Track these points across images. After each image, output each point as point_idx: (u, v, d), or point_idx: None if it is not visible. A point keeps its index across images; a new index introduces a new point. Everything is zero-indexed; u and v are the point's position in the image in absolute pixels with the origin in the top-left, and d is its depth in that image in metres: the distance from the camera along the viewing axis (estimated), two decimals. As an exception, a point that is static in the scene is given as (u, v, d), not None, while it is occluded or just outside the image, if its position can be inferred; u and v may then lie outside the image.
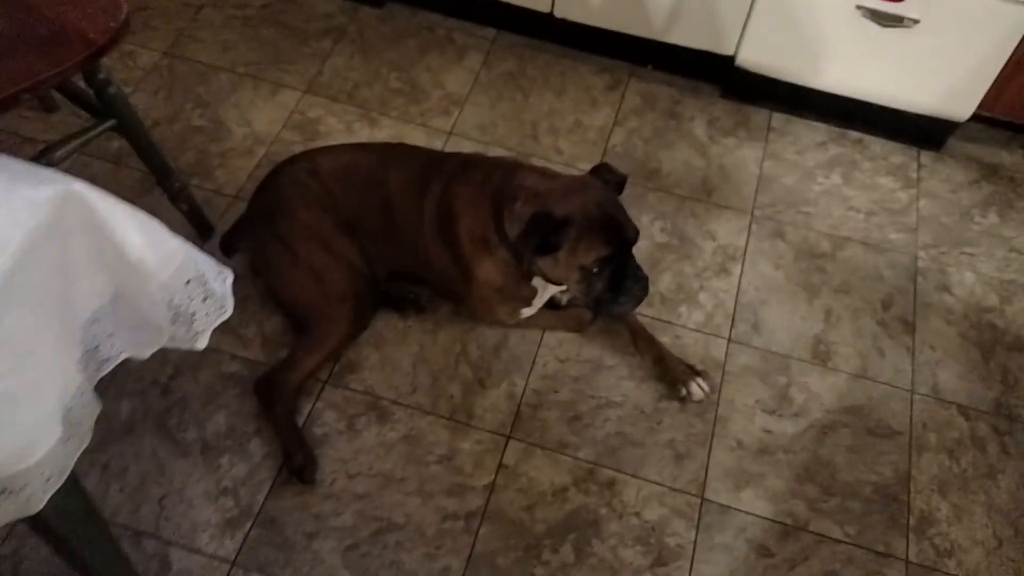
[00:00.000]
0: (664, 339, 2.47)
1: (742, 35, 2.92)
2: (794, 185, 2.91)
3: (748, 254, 2.72)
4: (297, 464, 2.16)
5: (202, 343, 1.39)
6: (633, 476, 2.25)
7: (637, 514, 2.19)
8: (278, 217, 2.35)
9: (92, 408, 1.36)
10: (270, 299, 2.45)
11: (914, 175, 2.97)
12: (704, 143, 3.00)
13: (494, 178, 2.19)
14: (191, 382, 2.32)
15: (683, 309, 2.58)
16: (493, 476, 2.22)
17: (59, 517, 1.42)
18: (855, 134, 3.07)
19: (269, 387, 2.25)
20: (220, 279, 1.39)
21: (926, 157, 3.03)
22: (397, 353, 2.42)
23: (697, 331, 2.54)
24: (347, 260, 2.37)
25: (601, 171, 2.16)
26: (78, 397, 1.31)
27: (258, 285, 2.49)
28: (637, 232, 2.11)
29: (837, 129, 3.08)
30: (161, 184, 2.41)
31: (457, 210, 2.23)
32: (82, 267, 1.23)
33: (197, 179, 2.73)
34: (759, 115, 3.09)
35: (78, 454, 1.34)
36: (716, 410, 2.39)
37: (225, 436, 2.24)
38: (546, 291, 2.33)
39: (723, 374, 2.46)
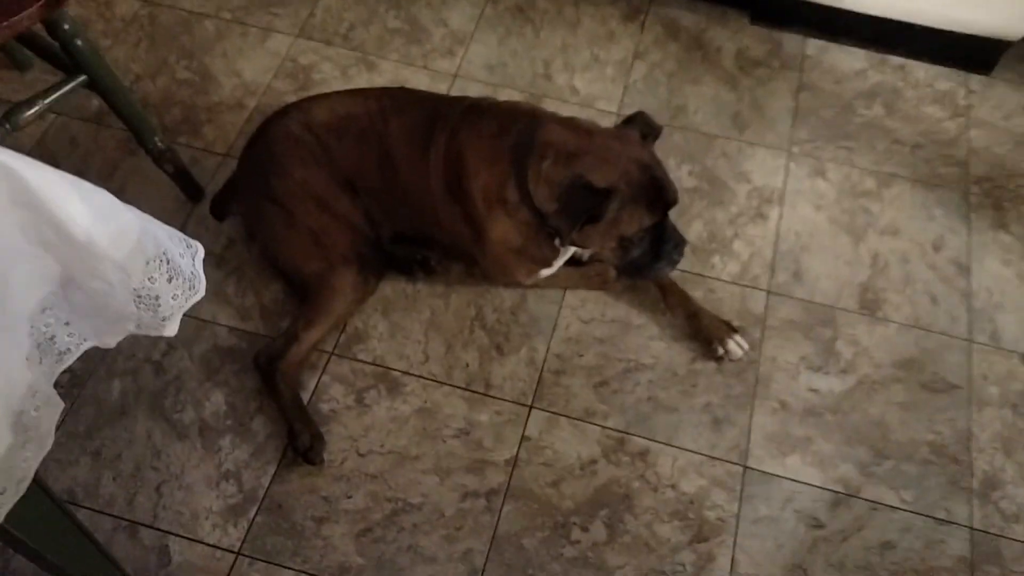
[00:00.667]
0: (696, 294, 2.26)
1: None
2: (833, 118, 2.66)
3: (787, 196, 2.49)
4: (303, 443, 1.99)
5: (171, 329, 1.20)
6: (668, 445, 2.07)
7: (673, 486, 2.01)
8: (271, 176, 2.14)
9: (51, 408, 1.18)
10: (268, 265, 2.26)
11: (963, 102, 2.71)
12: (734, 75, 2.75)
13: (512, 130, 1.97)
14: (186, 359, 2.15)
15: (716, 260, 2.36)
16: (515, 450, 2.05)
17: (25, 529, 1.26)
18: (896, 59, 2.80)
19: (270, 361, 2.07)
20: (188, 255, 1.19)
21: (975, 82, 2.76)
22: (407, 320, 2.23)
23: (733, 283, 2.32)
24: (348, 220, 2.17)
25: (636, 121, 1.94)
26: (30, 398, 1.13)
27: (254, 251, 2.29)
28: (677, 195, 1.91)
29: (877, 55, 2.81)
30: (143, 145, 2.21)
31: (469, 164, 2.01)
32: (19, 250, 1.04)
33: (184, 137, 2.53)
34: (792, 41, 2.83)
35: (38, 461, 1.17)
36: (756, 369, 2.19)
37: (225, 416, 2.07)
38: (569, 250, 2.12)
39: (763, 329, 2.25)
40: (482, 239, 2.09)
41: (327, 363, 2.16)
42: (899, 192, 2.51)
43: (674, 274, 2.27)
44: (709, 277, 2.34)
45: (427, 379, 2.14)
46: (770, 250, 2.38)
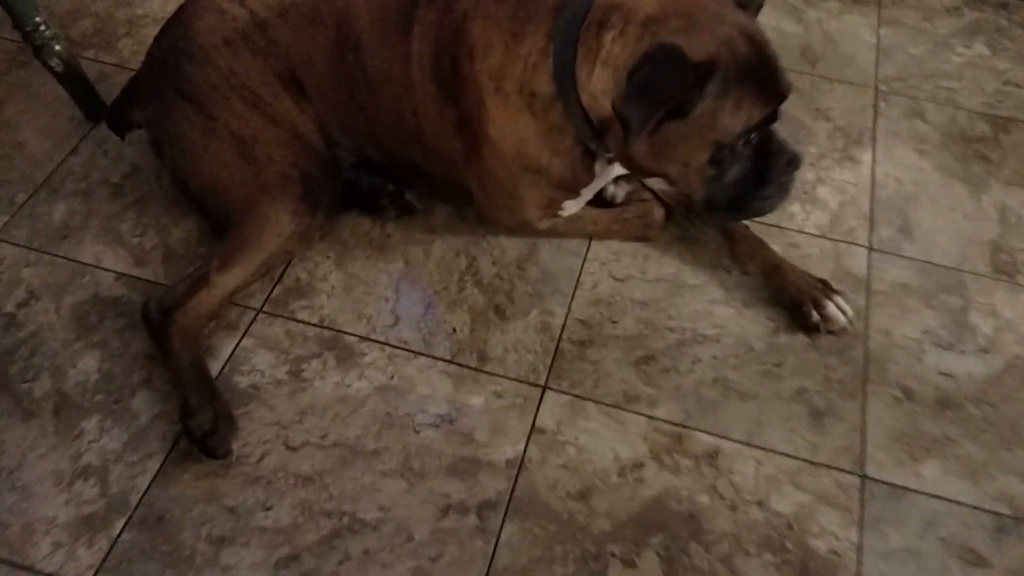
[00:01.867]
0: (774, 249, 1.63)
1: None
2: (925, 56, 2.09)
3: (879, 137, 1.89)
4: (201, 426, 1.33)
5: None
6: (747, 444, 1.40)
7: (760, 503, 1.34)
8: (186, 64, 1.54)
9: None
10: (180, 195, 1.63)
11: (1088, 44, 2.15)
12: (797, 6, 2.19)
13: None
14: (51, 311, 1.50)
15: (796, 209, 1.74)
16: (522, 446, 1.38)
17: None
18: (998, -3, 2.25)
19: (164, 311, 1.42)
20: None
21: (1099, 23, 2.21)
22: (371, 271, 1.59)
23: (821, 237, 1.70)
24: (291, 128, 1.55)
25: None
26: None
27: (164, 176, 1.67)
28: (789, 85, 1.30)
29: (972, -8, 2.26)
30: (18, 27, 1.61)
31: (478, 41, 1.40)
32: None
33: (94, 51, 1.94)
34: (865, -24, 2.28)
35: None
36: (866, 345, 1.54)
37: (95, 389, 1.41)
38: (606, 174, 1.50)
39: (868, 294, 1.61)
40: (482, 152, 1.47)
41: (252, 322, 1.51)
42: (1021, 139, 1.92)
43: (742, 223, 1.64)
44: (789, 229, 1.71)
45: (395, 347, 1.49)
46: (866, 199, 1.77)
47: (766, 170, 1.34)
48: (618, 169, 1.50)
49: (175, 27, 1.59)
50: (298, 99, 1.58)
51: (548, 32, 1.34)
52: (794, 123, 1.90)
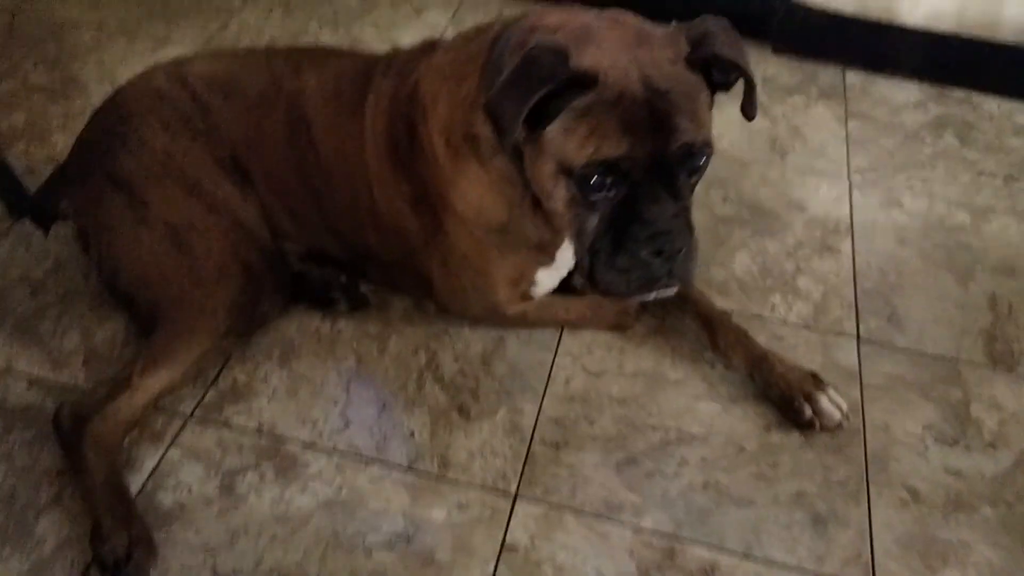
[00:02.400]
0: (757, 340, 1.51)
1: (804, -49, 2.14)
2: (897, 147, 2.05)
3: (857, 227, 1.81)
4: (115, 554, 1.14)
5: None
6: (746, 557, 1.24)
7: (766, 625, 1.16)
8: (119, 149, 1.42)
9: None
10: (105, 288, 1.47)
11: (1054, 136, 2.13)
12: (763, 101, 2.13)
13: (493, 28, 1.28)
14: (-52, 423, 1.31)
15: (776, 299, 1.63)
16: (492, 567, 1.20)
17: None
18: (959, 92, 2.24)
19: (77, 420, 1.24)
20: None
21: (1062, 115, 2.20)
22: (319, 370, 1.43)
23: (806, 328, 1.58)
24: (232, 215, 1.43)
25: (695, 26, 1.17)
26: None
27: (92, 272, 1.52)
28: (690, 148, 1.13)
29: (934, 87, 2.25)
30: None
31: (423, 98, 1.31)
32: None
33: (24, 143, 1.81)
34: (827, 73, 2.27)
35: None
36: (864, 442, 1.40)
37: (-8, 511, 1.21)
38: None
39: (861, 387, 1.49)
40: (444, 225, 1.35)
41: (180, 430, 1.33)
42: (1002, 227, 1.85)
43: (721, 312, 1.52)
44: (772, 320, 1.59)
45: (345, 455, 1.32)
46: (849, 289, 1.67)
47: (624, 236, 1.15)
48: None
49: (109, 110, 1.48)
50: (241, 185, 1.46)
51: (483, 66, 1.25)
52: (768, 215, 1.82)
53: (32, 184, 1.66)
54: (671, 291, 1.22)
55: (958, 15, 2.13)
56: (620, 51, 1.13)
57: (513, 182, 1.27)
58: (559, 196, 1.17)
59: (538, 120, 1.12)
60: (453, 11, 2.34)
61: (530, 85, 1.06)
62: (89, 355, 1.42)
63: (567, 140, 1.11)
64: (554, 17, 1.19)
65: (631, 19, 1.19)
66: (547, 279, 1.42)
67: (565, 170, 1.13)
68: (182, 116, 1.44)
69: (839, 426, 1.40)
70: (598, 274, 1.19)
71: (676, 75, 1.14)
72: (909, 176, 1.97)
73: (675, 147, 1.12)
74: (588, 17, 1.18)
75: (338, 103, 1.43)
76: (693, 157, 1.14)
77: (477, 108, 1.23)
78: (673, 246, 1.15)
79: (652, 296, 1.22)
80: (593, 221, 1.16)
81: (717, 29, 1.17)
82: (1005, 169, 2.02)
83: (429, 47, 1.40)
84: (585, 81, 1.09)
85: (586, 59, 1.10)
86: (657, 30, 1.18)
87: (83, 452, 1.21)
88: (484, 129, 1.23)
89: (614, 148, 1.10)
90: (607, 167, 1.11)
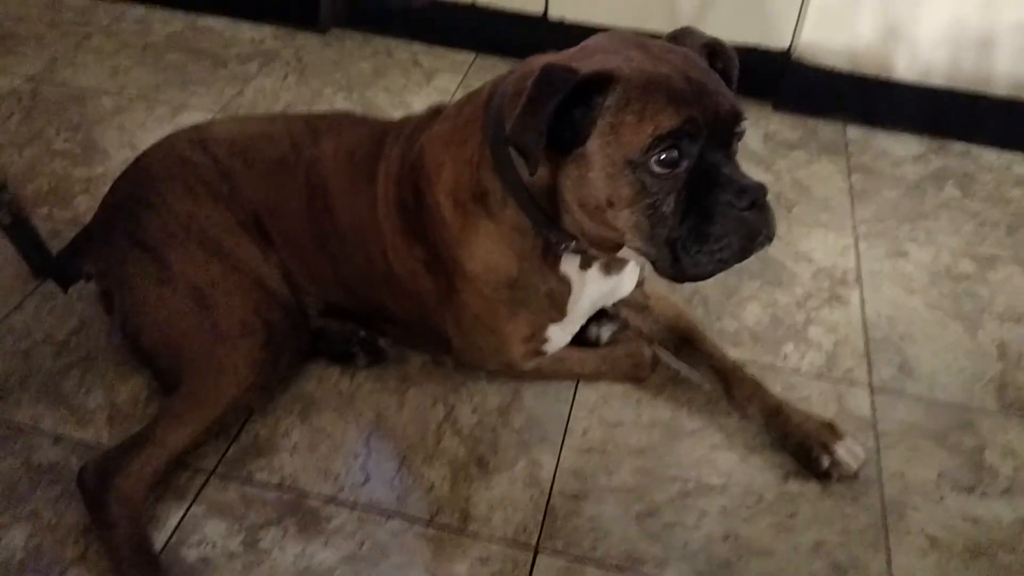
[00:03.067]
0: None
1: (801, 14, 2.21)
2: (900, 199, 2.09)
3: (864, 277, 1.84)
4: (140, 610, 1.13)
5: None
6: (768, 607, 1.23)
7: (791, 676, 1.16)
8: (143, 212, 1.46)
9: None
10: (130, 351, 1.50)
11: (1053, 186, 2.18)
12: (765, 157, 2.20)
13: (485, 88, 1.34)
14: (-26, 482, 1.32)
15: (788, 348, 1.66)
16: (514, 619, 1.20)
17: None
18: (958, 145, 2.29)
19: (103, 477, 1.25)
20: None
21: (1060, 166, 2.25)
22: (339, 425, 1.45)
23: (819, 377, 1.60)
24: (253, 274, 1.46)
25: (679, 38, 1.26)
26: None
27: (114, 332, 1.54)
28: (738, 111, 1.15)
29: (934, 140, 2.31)
30: (-36, 180, 1.53)
31: (429, 163, 1.36)
32: None
33: (48, 207, 1.86)
34: (828, 128, 2.33)
35: None
36: (881, 490, 1.41)
37: (19, 569, 1.22)
38: (585, 288, 1.39)
39: (876, 436, 1.50)
40: (456, 285, 1.38)
41: (203, 486, 1.34)
42: (1008, 275, 1.88)
43: (735, 364, 1.54)
44: (784, 368, 1.61)
45: (367, 509, 1.32)
46: (860, 338, 1.69)
47: (711, 201, 1.11)
48: (595, 284, 1.40)
49: (133, 175, 1.52)
50: (262, 246, 1.49)
51: (482, 126, 1.28)
52: (776, 266, 1.85)
53: (55, 246, 1.70)
54: (766, 249, 1.18)
55: (950, 71, 2.19)
56: (630, 51, 1.16)
57: (523, 231, 1.30)
58: (624, 196, 1.14)
59: (572, 141, 1.13)
60: (462, 76, 2.41)
61: (545, 98, 1.08)
62: (113, 413, 1.44)
63: (620, 134, 1.11)
64: (541, 58, 1.22)
65: (612, 33, 1.23)
66: (559, 335, 1.44)
67: (629, 163, 1.11)
68: (204, 180, 1.48)
69: (856, 475, 1.41)
70: (686, 259, 1.15)
71: (694, 57, 1.19)
72: (913, 227, 2.00)
73: (727, 110, 1.12)
74: (576, 49, 1.22)
75: (353, 169, 1.47)
76: (739, 120, 1.15)
77: (482, 165, 1.27)
78: (765, 194, 1.13)
79: (754, 253, 1.17)
80: (670, 204, 1.13)
81: (726, 48, 1.23)
82: (1007, 219, 2.06)
83: (435, 113, 1.44)
84: (602, 81, 1.11)
85: (594, 65, 1.12)
86: (635, 36, 1.21)
87: (108, 509, 1.22)
88: (492, 183, 1.27)
89: (671, 119, 1.09)
90: (672, 139, 1.10)
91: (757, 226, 1.14)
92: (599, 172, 1.14)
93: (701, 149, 1.12)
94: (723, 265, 1.16)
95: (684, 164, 1.12)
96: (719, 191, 1.11)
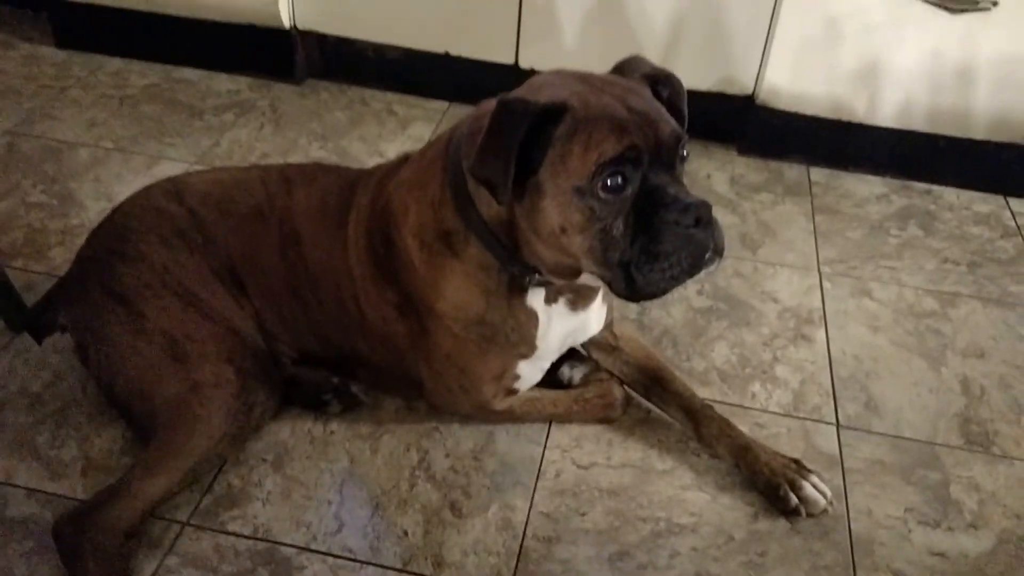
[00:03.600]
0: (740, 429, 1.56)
1: (764, 59, 2.28)
2: (863, 239, 2.14)
3: (829, 316, 1.88)
4: (113, 664, 1.13)
5: None
6: (739, 645, 1.25)
7: None
8: (118, 263, 1.48)
9: None
10: (104, 403, 1.51)
11: (1012, 223, 2.24)
12: (732, 200, 2.25)
13: (440, 140, 1.38)
14: (-55, 537, 1.32)
15: (756, 388, 1.69)
16: (488, 664, 1.21)
17: None
18: (920, 185, 2.36)
19: (79, 530, 1.26)
20: None
21: (1018, 203, 2.31)
22: (312, 472, 1.46)
23: (787, 415, 1.63)
24: (227, 323, 1.48)
25: (626, 65, 1.31)
26: None
27: (90, 384, 1.55)
28: (679, 135, 1.19)
29: (896, 181, 2.37)
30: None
31: (395, 208, 1.39)
32: None
33: (22, 260, 1.87)
34: (793, 171, 2.39)
35: None
36: (848, 527, 1.43)
37: (-12, 627, 1.21)
38: (552, 323, 1.42)
39: (843, 472, 1.53)
40: (427, 326, 1.41)
41: (177, 537, 1.34)
42: (969, 312, 1.93)
43: (703, 404, 1.57)
44: (752, 409, 1.64)
45: (339, 557, 1.33)
46: (826, 376, 1.73)
47: (657, 220, 1.15)
48: (562, 321, 1.43)
49: (109, 227, 1.55)
50: (236, 295, 1.52)
51: (443, 166, 1.33)
52: (743, 306, 1.89)
53: (30, 299, 1.71)
54: (717, 265, 1.21)
55: (910, 113, 2.26)
56: (575, 85, 1.21)
57: (488, 268, 1.33)
58: (574, 222, 1.18)
59: (525, 171, 1.17)
60: (436, 124, 2.46)
61: (510, 128, 1.12)
62: (87, 465, 1.44)
63: (567, 163, 1.15)
64: (493, 100, 1.26)
65: (558, 70, 1.28)
66: (530, 372, 1.47)
67: (577, 190, 1.15)
68: (179, 231, 1.51)
69: (824, 512, 1.44)
70: (640, 278, 1.18)
71: (636, 87, 1.24)
72: (877, 266, 2.05)
73: (667, 135, 1.17)
74: (526, 84, 1.27)
75: (324, 218, 1.50)
76: (681, 145, 1.19)
77: (444, 206, 1.31)
78: (708, 211, 1.17)
79: (704, 273, 1.20)
80: (619, 227, 1.17)
81: (671, 77, 1.29)
82: (968, 256, 2.11)
83: (403, 160, 1.48)
84: (555, 112, 1.15)
85: (545, 97, 1.17)
86: (579, 71, 1.27)
87: (84, 561, 1.23)
88: (454, 223, 1.31)
89: (614, 146, 1.14)
90: (615, 166, 1.14)
91: (704, 242, 1.17)
92: (550, 200, 1.18)
93: (645, 173, 1.16)
94: (675, 282, 1.19)
95: (629, 189, 1.16)
96: (664, 211, 1.15)
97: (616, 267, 1.19)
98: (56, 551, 1.27)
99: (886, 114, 2.28)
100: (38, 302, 1.56)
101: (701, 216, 1.15)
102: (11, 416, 1.52)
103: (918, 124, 2.28)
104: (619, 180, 1.15)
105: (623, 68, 1.29)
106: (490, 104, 1.23)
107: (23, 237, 1.93)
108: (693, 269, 1.18)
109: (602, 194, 1.15)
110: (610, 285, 1.23)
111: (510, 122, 1.13)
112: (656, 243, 1.15)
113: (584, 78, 1.23)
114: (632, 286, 1.19)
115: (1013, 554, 1.42)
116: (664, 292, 1.21)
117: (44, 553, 1.30)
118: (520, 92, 1.23)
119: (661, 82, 1.29)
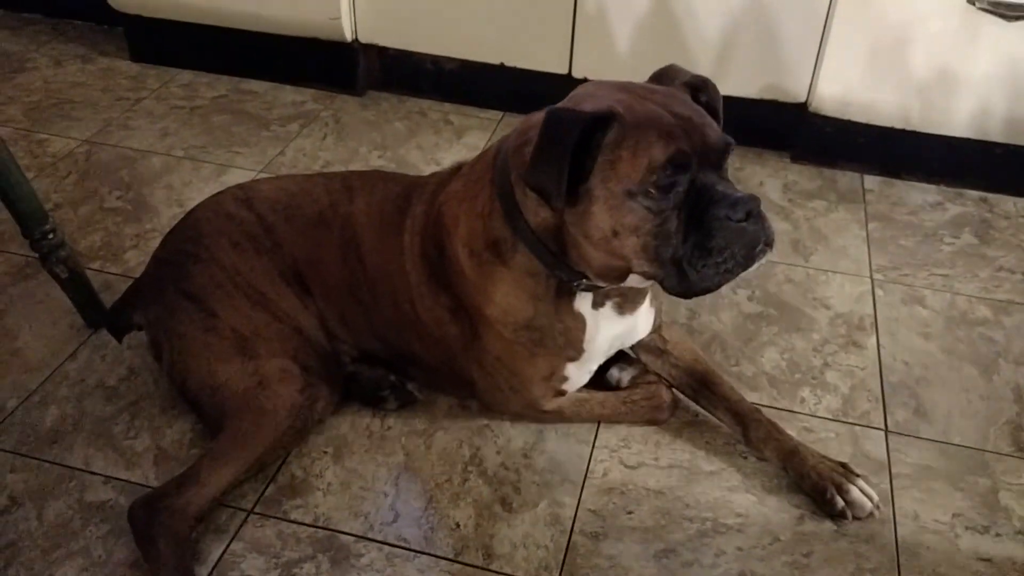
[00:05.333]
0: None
1: (817, 67, 2.29)
2: (917, 247, 2.14)
3: (880, 323, 1.89)
4: (184, 640, 1.21)
5: None
6: (782, 642, 1.27)
7: None
8: (191, 265, 1.56)
9: None
10: (177, 397, 1.60)
11: (1071, 232, 2.21)
12: (784, 207, 2.27)
13: (488, 154, 1.45)
14: (32, 518, 1.41)
15: (805, 393, 1.71)
16: (535, 652, 1.25)
17: None
18: (974, 193, 2.34)
19: (152, 513, 1.34)
20: None
21: (1078, 213, 2.29)
22: (369, 465, 1.53)
23: (835, 420, 1.65)
24: (293, 322, 1.55)
25: (663, 74, 1.37)
26: None
27: (162, 379, 1.64)
28: (727, 139, 1.25)
29: (951, 189, 2.36)
30: (27, 235, 1.65)
31: (447, 218, 1.45)
32: None
33: (100, 262, 1.98)
34: (846, 178, 2.39)
35: None
36: (895, 531, 1.45)
37: (69, 602, 1.30)
38: (600, 327, 1.46)
39: (890, 477, 1.54)
40: (478, 331, 1.47)
41: (242, 524, 1.42)
42: (1023, 320, 1.92)
43: (752, 408, 1.60)
44: (801, 413, 1.66)
45: (395, 546, 1.39)
46: (876, 382, 1.74)
47: (708, 218, 1.20)
48: (610, 323, 1.47)
49: (183, 230, 1.64)
50: (301, 296, 1.59)
51: (491, 179, 1.39)
52: (794, 312, 1.90)
53: (107, 299, 1.81)
54: (767, 257, 1.25)
55: (966, 120, 2.25)
56: (618, 94, 1.27)
57: (535, 274, 1.39)
58: (628, 224, 1.22)
59: (571, 181, 1.21)
60: (491, 133, 2.52)
61: (563, 139, 1.17)
62: (159, 455, 1.53)
63: (617, 168, 1.20)
64: (538, 114, 1.31)
65: (600, 80, 1.35)
66: (577, 374, 1.51)
67: (628, 193, 1.20)
68: (249, 235, 1.59)
69: (870, 515, 1.45)
70: (693, 273, 1.23)
71: (677, 94, 1.30)
72: (930, 273, 2.05)
73: (714, 139, 1.23)
74: (568, 97, 1.32)
75: (382, 224, 1.57)
76: (728, 149, 1.25)
77: (492, 216, 1.37)
78: (758, 205, 1.21)
79: (756, 266, 1.25)
80: (671, 226, 1.22)
81: (708, 83, 1.34)
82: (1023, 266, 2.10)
83: (457, 170, 1.54)
84: (603, 120, 1.20)
85: (591, 106, 1.23)
86: (622, 81, 1.34)
87: (156, 543, 1.31)
88: (503, 232, 1.37)
89: (662, 151, 1.19)
90: (665, 169, 1.19)
91: (756, 235, 1.22)
92: (602, 204, 1.23)
93: (694, 174, 1.21)
94: (729, 275, 1.24)
95: (679, 189, 1.21)
96: (715, 207, 1.20)
97: (669, 264, 1.24)
98: (131, 533, 1.35)
99: (941, 121, 2.27)
100: (116, 301, 1.66)
101: (752, 210, 1.20)
102: (89, 408, 1.62)
103: (974, 132, 2.26)
104: (670, 182, 1.20)
105: (661, 77, 1.35)
106: (536, 117, 1.29)
107: (100, 240, 2.04)
108: (748, 262, 1.23)
109: (654, 195, 1.20)
110: (662, 283, 1.28)
111: (561, 132, 1.18)
112: (709, 238, 1.20)
113: (626, 87, 1.29)
114: (686, 282, 1.24)
115: (1063, 562, 1.41)
116: (718, 287, 1.25)
117: (119, 536, 1.38)
118: (566, 103, 1.28)
119: (699, 88, 1.34)
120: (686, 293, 1.26)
